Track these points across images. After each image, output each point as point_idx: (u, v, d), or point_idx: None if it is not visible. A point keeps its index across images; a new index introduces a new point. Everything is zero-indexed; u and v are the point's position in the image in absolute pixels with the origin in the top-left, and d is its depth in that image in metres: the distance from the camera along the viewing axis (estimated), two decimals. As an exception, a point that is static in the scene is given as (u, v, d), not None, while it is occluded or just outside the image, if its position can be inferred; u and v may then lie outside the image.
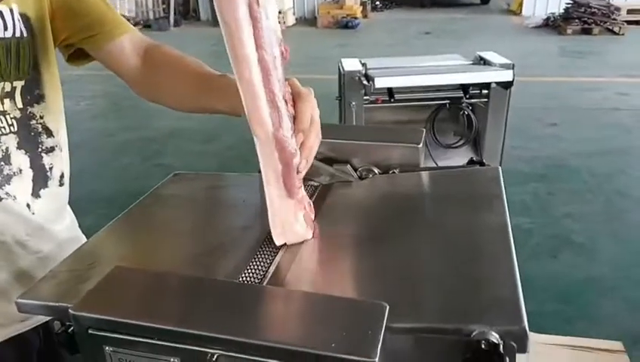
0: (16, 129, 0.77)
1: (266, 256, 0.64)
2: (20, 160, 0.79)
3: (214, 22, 10.76)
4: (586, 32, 8.90)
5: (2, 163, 0.77)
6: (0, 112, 0.75)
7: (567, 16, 9.24)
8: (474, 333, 0.47)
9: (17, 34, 0.74)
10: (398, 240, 0.66)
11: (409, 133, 0.89)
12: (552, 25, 9.49)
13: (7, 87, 0.75)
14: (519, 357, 0.48)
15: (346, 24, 10.49)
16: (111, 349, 0.49)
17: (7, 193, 0.77)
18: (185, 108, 0.88)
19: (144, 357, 0.49)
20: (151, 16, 11.33)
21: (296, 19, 11.78)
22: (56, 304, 0.57)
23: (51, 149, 0.83)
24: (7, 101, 0.76)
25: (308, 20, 11.68)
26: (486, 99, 2.60)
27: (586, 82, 5.94)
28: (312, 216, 0.70)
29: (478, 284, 0.55)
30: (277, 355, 0.44)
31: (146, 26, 10.41)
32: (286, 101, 0.63)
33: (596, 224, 3.05)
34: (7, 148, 0.77)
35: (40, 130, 0.82)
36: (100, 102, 6.06)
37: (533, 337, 1.18)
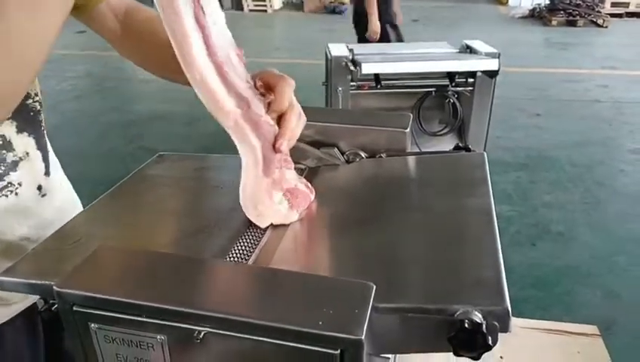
0: (10, 114, 0.74)
1: (253, 237, 0.64)
2: (25, 143, 0.76)
3: (236, 7, 10.48)
4: (571, 23, 8.99)
5: (4, 151, 0.73)
6: None
7: (552, 8, 9.32)
8: (457, 313, 0.48)
9: None
10: (385, 222, 0.67)
11: (396, 117, 0.89)
12: (538, 15, 9.56)
13: None
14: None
15: (333, 9, 10.43)
16: (96, 326, 0.49)
17: (9, 183, 0.74)
18: (162, 77, 0.86)
19: (130, 334, 0.49)
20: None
21: (283, 2, 11.65)
22: (40, 282, 0.57)
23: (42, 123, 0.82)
24: None
25: (295, 5, 11.56)
26: (471, 88, 2.62)
27: (569, 73, 6.02)
28: (309, 198, 0.71)
29: (462, 266, 0.56)
30: (264, 333, 0.45)
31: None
32: (259, 91, 0.65)
33: (575, 213, 3.12)
34: (2, 136, 0.73)
35: (38, 108, 0.79)
36: (83, 83, 5.94)
37: (514, 321, 1.21)
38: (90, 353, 0.51)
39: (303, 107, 0.74)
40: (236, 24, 8.66)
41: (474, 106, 2.67)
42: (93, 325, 0.49)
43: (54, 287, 0.50)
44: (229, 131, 0.63)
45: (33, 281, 0.57)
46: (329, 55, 2.62)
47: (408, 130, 0.85)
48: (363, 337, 0.43)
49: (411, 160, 0.83)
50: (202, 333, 0.46)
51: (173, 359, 0.49)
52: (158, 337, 0.48)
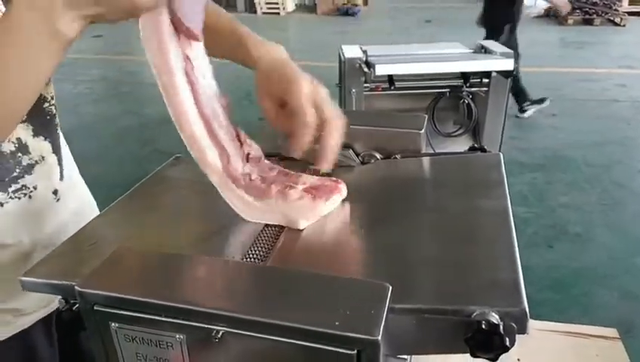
0: (24, 118, 0.73)
1: (269, 237, 0.65)
2: (41, 146, 0.77)
3: (250, 10, 10.57)
4: (587, 22, 8.87)
5: (19, 154, 0.74)
6: None
7: (568, 7, 9.19)
8: (474, 314, 0.48)
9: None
10: (401, 223, 0.67)
11: (411, 118, 0.89)
12: (553, 15, 9.45)
13: None
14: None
15: (346, 11, 10.43)
16: (117, 325, 0.50)
17: (24, 185, 0.75)
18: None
19: (150, 333, 0.49)
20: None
21: (296, 5, 11.69)
22: (61, 282, 0.58)
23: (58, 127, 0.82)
24: None
25: (308, 7, 11.59)
26: (486, 88, 2.60)
27: (586, 73, 5.94)
28: (332, 187, 0.71)
29: (479, 267, 0.56)
30: (281, 332, 0.45)
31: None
32: (241, 141, 0.70)
33: (593, 214, 3.07)
34: (18, 139, 0.74)
35: (54, 111, 0.79)
36: (98, 87, 6.03)
37: (532, 323, 1.20)
38: (111, 352, 0.52)
39: None
40: (249, 27, 8.71)
41: (489, 107, 2.65)
42: (113, 324, 0.50)
43: (76, 287, 0.51)
44: (212, 179, 0.68)
45: (55, 281, 0.59)
46: (342, 57, 2.62)
47: (423, 131, 0.85)
48: (379, 337, 0.43)
49: (426, 161, 0.83)
50: (220, 333, 0.47)
51: (192, 358, 0.49)
52: (177, 336, 0.48)
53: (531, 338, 1.17)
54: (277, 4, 10.86)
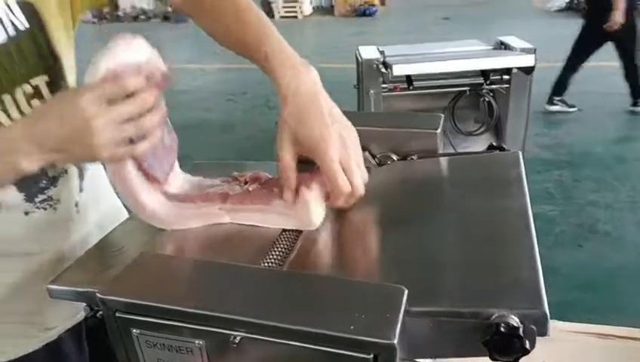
0: None
1: (287, 241, 0.65)
2: None
3: (267, 15, 10.77)
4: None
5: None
6: None
7: (591, -1, 8.99)
8: (493, 316, 0.48)
9: (12, 32, 0.68)
10: (418, 225, 0.66)
11: (427, 119, 0.88)
12: (576, 8, 9.24)
13: (28, 88, 0.71)
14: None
15: (363, 12, 10.42)
16: (138, 331, 0.51)
17: (49, 197, 0.76)
18: (226, 47, 0.81)
19: (170, 339, 0.50)
20: (169, 8, 11.40)
21: (314, 8, 11.72)
22: (85, 289, 0.59)
23: None
24: (35, 102, 0.71)
25: (325, 9, 11.62)
26: (507, 85, 2.56)
27: (613, 66, 5.78)
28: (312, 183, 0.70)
29: (498, 268, 0.55)
30: (297, 337, 0.45)
31: (165, 18, 10.50)
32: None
33: (623, 212, 2.99)
34: None
35: None
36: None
37: (559, 325, 1.17)
38: (133, 358, 0.53)
39: None
40: (268, 32, 8.73)
41: (510, 104, 2.61)
42: (135, 330, 0.51)
43: (97, 294, 0.52)
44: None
45: (80, 289, 0.60)
46: (359, 58, 2.62)
47: (439, 131, 0.84)
48: (395, 341, 0.43)
49: (443, 161, 0.83)
50: (238, 338, 0.47)
51: (211, 363, 0.50)
52: (197, 342, 0.49)
53: (559, 340, 1.15)
54: (294, 7, 10.92)
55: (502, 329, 0.46)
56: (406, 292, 0.48)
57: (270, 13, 11.04)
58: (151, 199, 0.69)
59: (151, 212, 0.70)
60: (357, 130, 0.86)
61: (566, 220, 2.94)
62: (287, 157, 0.67)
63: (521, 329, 0.46)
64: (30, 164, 0.59)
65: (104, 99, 0.57)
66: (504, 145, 0.82)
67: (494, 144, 0.82)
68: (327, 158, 0.64)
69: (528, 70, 2.42)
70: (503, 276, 0.53)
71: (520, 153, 0.78)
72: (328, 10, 11.35)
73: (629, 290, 2.38)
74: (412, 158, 0.85)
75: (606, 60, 5.75)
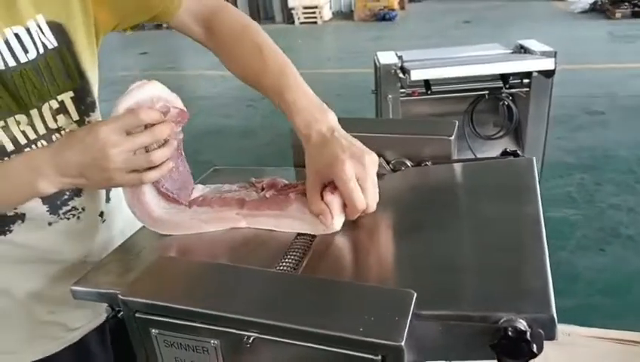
0: None
1: (302, 246, 0.67)
2: None
3: (287, 21, 10.86)
4: (637, 15, 8.46)
5: None
6: (54, 130, 0.74)
7: (615, 0, 8.82)
8: (501, 321, 0.48)
9: (41, 50, 0.72)
10: (431, 231, 0.67)
11: (441, 125, 0.89)
12: (600, 9, 9.08)
13: (54, 104, 0.74)
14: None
15: (383, 16, 10.40)
16: (157, 331, 0.53)
17: (73, 207, 0.79)
18: (245, 82, 0.86)
19: (187, 338, 0.52)
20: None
21: (333, 13, 11.75)
22: (106, 291, 0.62)
23: None
24: (60, 117, 0.75)
25: (344, 14, 11.64)
26: (527, 89, 2.53)
27: (637, 68, 5.66)
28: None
29: (507, 273, 0.56)
30: (308, 338, 0.47)
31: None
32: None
33: (646, 216, 2.93)
34: None
35: None
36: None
37: (578, 330, 1.16)
38: (152, 357, 0.55)
39: (348, 119, 0.76)
40: (288, 37, 8.82)
41: (530, 108, 2.57)
42: (153, 331, 0.53)
43: (119, 296, 0.54)
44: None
45: (102, 290, 0.63)
46: (377, 63, 2.62)
47: (453, 137, 0.85)
48: (403, 343, 0.44)
49: (457, 167, 0.83)
50: (251, 338, 0.49)
51: (226, 363, 0.52)
52: (212, 342, 0.51)
53: (577, 345, 1.14)
54: (314, 13, 10.98)
55: (509, 333, 0.47)
56: (415, 296, 0.49)
57: (290, 20, 11.13)
58: (163, 209, 0.74)
59: (166, 220, 0.73)
60: (371, 137, 0.88)
61: (588, 224, 2.89)
62: (314, 182, 0.71)
63: (528, 333, 0.47)
64: (48, 186, 0.66)
65: (122, 130, 0.64)
66: (519, 151, 0.82)
67: (508, 150, 0.83)
68: (344, 176, 0.67)
69: (548, 73, 2.39)
70: (513, 281, 0.54)
71: (534, 159, 0.79)
72: (348, 15, 11.37)
73: (654, 296, 2.33)
74: (426, 164, 0.86)
75: (633, 62, 5.64)
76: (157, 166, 0.68)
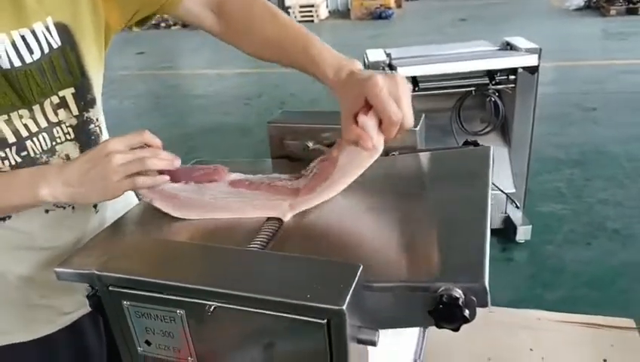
0: (72, 136, 0.81)
1: (270, 229, 0.72)
2: None
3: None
4: (631, 12, 8.50)
5: None
6: (55, 123, 0.78)
7: (610, -4, 8.86)
8: (440, 289, 0.53)
9: (46, 50, 0.74)
10: (388, 212, 0.72)
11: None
12: (594, 6, 9.12)
13: (55, 99, 0.77)
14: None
15: (379, 15, 10.44)
16: (128, 303, 0.58)
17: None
18: (262, 59, 0.88)
19: (156, 309, 0.57)
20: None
21: (330, 12, 11.79)
22: (86, 271, 0.66)
23: None
24: (61, 111, 0.79)
25: (341, 13, 11.67)
26: (513, 85, 2.58)
27: (629, 64, 5.71)
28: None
29: (450, 249, 0.61)
30: (262, 305, 0.52)
31: (184, 25, 10.68)
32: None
33: (633, 210, 2.97)
34: (67, 155, 0.81)
35: (98, 132, 0.87)
36: (142, 101, 6.32)
37: (543, 314, 1.21)
38: (125, 328, 0.60)
39: (321, 112, 0.81)
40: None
41: (517, 103, 2.62)
42: (125, 302, 0.58)
43: (94, 271, 0.59)
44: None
45: (81, 271, 0.67)
46: (367, 61, 2.67)
47: (418, 128, 0.90)
48: (344, 307, 0.49)
49: (422, 156, 0.88)
50: (212, 307, 0.54)
51: (191, 330, 0.57)
52: (178, 311, 0.56)
53: (546, 329, 1.18)
54: (310, 11, 11.01)
55: (444, 300, 0.52)
56: (361, 267, 0.54)
57: (286, 18, 11.13)
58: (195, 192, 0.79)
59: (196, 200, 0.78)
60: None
61: (576, 218, 2.94)
62: (345, 117, 0.71)
63: (461, 300, 0.52)
64: (48, 194, 0.70)
65: (127, 144, 0.71)
66: (477, 141, 0.87)
67: (469, 140, 0.88)
68: (377, 89, 0.65)
69: (532, 70, 2.44)
70: (454, 256, 0.59)
71: (491, 148, 0.83)
72: (344, 13, 11.41)
73: (636, 287, 2.38)
74: (393, 154, 0.90)
75: (626, 59, 5.68)
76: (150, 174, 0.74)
